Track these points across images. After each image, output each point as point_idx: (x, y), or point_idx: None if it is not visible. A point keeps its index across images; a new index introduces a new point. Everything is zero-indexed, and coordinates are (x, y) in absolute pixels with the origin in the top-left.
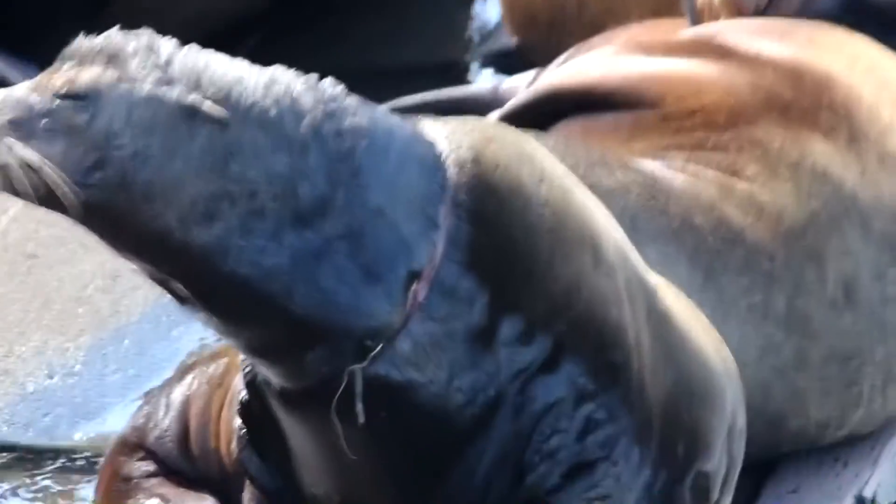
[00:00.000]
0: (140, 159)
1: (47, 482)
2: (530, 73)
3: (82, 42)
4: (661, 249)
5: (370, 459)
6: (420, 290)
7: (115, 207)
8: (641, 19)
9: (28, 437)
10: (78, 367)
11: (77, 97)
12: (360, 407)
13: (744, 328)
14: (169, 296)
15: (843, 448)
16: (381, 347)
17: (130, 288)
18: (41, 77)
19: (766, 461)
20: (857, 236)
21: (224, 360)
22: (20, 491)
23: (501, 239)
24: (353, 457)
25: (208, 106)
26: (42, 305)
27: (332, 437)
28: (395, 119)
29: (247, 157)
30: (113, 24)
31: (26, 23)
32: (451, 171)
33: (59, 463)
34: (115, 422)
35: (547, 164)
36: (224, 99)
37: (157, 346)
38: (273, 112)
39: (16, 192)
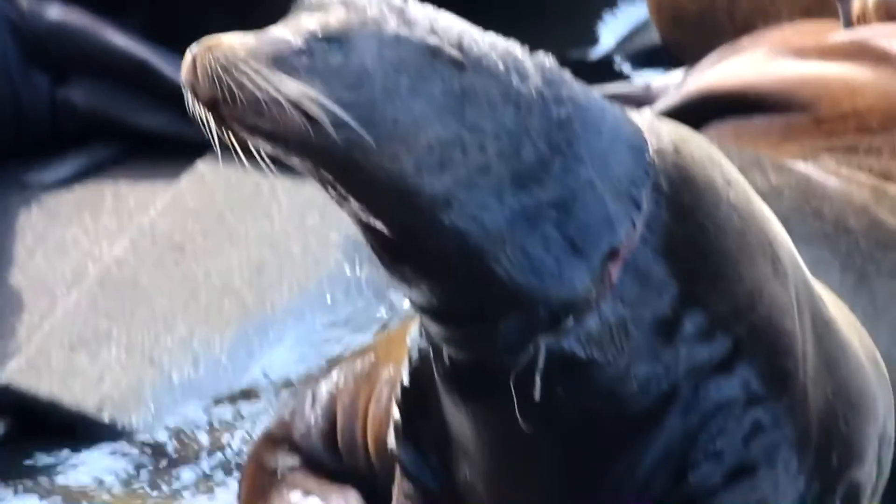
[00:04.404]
0: (389, 97)
1: (192, 474)
2: (679, 73)
3: None
4: (813, 253)
5: (536, 438)
6: (614, 270)
7: (360, 147)
8: (792, 19)
9: (173, 428)
10: (223, 358)
11: (330, 39)
12: (538, 381)
13: (895, 332)
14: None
15: None
16: (572, 322)
17: (275, 281)
18: (290, 22)
19: None
20: None
21: (371, 357)
22: (163, 482)
23: (695, 232)
24: (526, 430)
25: (448, 48)
26: (189, 297)
27: (500, 413)
28: (604, 99)
29: (481, 104)
30: (263, 22)
31: (175, 20)
32: (654, 157)
33: (203, 455)
34: (260, 415)
35: (732, 170)
36: (458, 45)
37: (301, 340)
38: (501, 66)
39: (266, 132)
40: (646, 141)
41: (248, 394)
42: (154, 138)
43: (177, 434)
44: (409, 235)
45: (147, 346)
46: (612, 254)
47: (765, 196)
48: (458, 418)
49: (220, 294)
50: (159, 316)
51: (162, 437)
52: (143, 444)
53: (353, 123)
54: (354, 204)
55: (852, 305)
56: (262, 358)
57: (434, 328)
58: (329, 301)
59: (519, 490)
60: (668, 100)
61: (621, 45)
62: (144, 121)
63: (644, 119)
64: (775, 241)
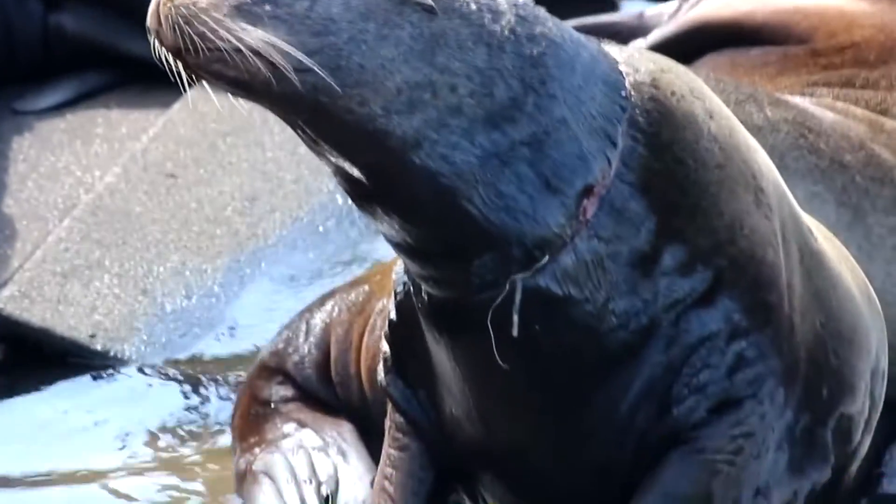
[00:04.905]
0: (355, 44)
1: (184, 403)
2: (674, 2)
3: None
4: (809, 188)
5: (517, 375)
6: (589, 206)
7: (326, 92)
8: None
9: (165, 357)
10: (216, 288)
11: None
12: (515, 318)
13: (890, 268)
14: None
15: None
16: (547, 260)
17: (268, 210)
18: None
19: None
20: None
21: (365, 288)
22: (157, 411)
23: (674, 166)
24: (504, 365)
25: None
26: (181, 226)
27: (480, 351)
28: (580, 35)
29: (451, 47)
30: None
31: None
32: (630, 92)
33: (195, 384)
34: (252, 344)
35: (715, 101)
36: None
37: (293, 269)
38: (473, 6)
39: (231, 79)
40: (622, 76)
41: (240, 323)
42: (146, 66)
43: (169, 363)
44: (380, 176)
45: (139, 274)
46: (587, 190)
47: (761, 130)
48: (439, 355)
49: (213, 223)
50: (151, 245)
51: (154, 366)
52: (135, 372)
53: (317, 69)
54: (325, 146)
55: (847, 241)
56: (254, 287)
57: (411, 265)
58: (321, 230)
59: (501, 426)
60: (663, 30)
61: None
62: (136, 48)
63: (622, 53)
64: (759, 172)
